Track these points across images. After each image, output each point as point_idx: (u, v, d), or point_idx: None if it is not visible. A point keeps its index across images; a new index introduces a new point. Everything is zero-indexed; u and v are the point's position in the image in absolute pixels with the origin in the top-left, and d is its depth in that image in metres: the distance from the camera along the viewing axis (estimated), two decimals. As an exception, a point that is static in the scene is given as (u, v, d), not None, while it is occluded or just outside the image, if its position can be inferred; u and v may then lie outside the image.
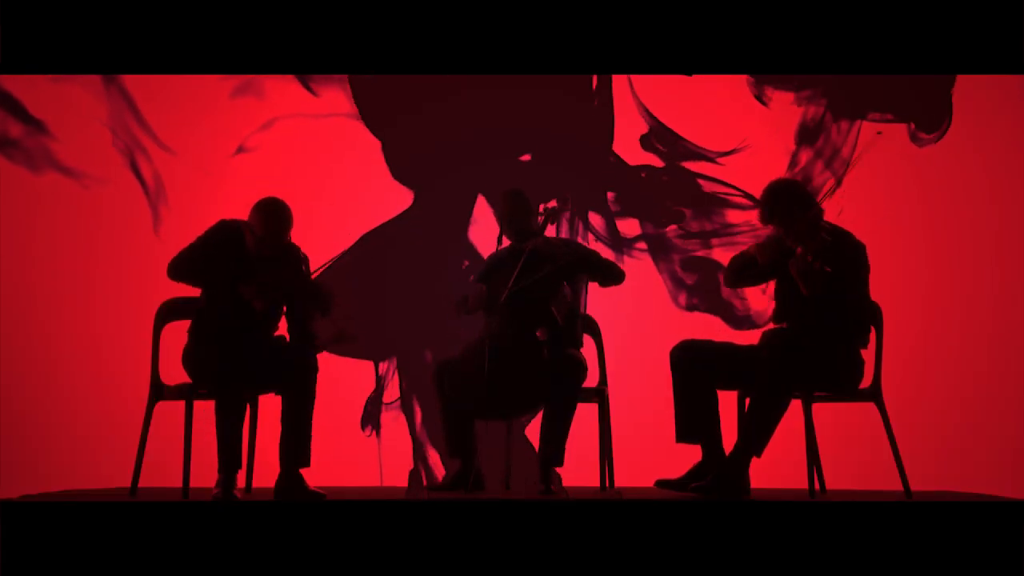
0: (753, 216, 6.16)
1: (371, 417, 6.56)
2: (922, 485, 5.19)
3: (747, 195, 6.47)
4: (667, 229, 6.55)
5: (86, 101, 6.40)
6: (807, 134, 6.50)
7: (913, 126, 6.45)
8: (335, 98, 6.59)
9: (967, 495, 5.23)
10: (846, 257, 5.04)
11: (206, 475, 5.04)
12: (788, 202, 5.14)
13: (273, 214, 5.17)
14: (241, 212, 5.25)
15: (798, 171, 6.46)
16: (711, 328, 5.24)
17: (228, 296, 5.14)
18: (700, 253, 6.54)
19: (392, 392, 6.58)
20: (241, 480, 5.20)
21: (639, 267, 6.50)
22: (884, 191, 6.43)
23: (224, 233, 5.20)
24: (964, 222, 6.44)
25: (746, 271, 5.30)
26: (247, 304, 5.13)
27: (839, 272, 4.96)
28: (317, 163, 6.53)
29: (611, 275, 5.54)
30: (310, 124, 6.54)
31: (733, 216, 6.53)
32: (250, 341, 5.13)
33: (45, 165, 6.38)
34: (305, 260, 5.31)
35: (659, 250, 6.56)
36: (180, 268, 5.14)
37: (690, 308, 6.52)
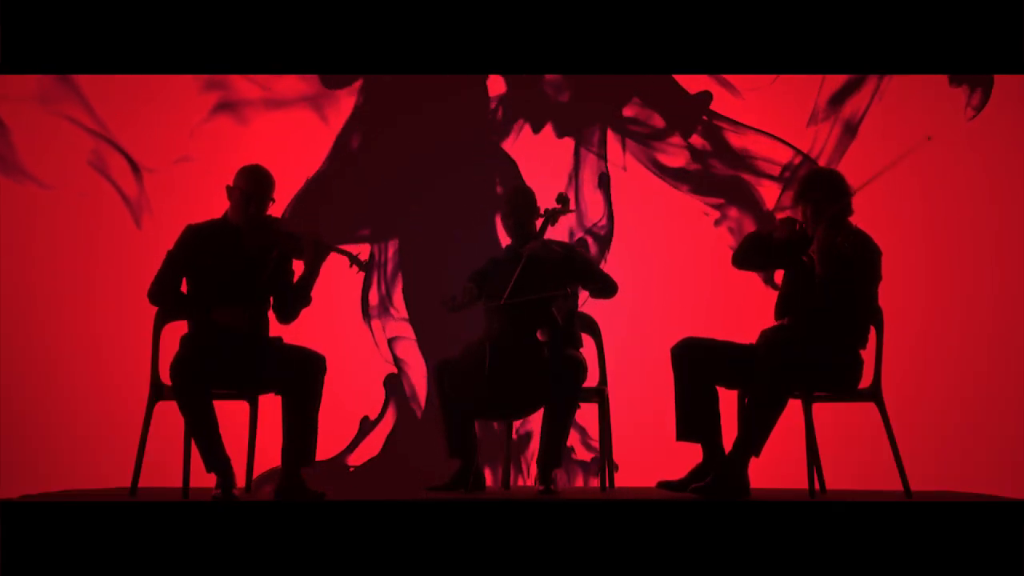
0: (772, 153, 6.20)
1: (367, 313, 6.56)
2: (922, 485, 5.19)
3: (768, 134, 6.47)
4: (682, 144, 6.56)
5: (55, 102, 6.39)
6: (842, 94, 6.49)
7: (967, 89, 6.42)
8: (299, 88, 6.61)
9: (967, 495, 5.23)
10: (866, 257, 5.04)
11: (206, 475, 5.03)
12: (826, 191, 5.12)
13: (258, 177, 5.18)
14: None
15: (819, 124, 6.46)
16: (712, 328, 5.22)
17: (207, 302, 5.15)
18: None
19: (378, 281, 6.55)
20: (241, 480, 5.20)
21: (639, 267, 6.49)
22: (884, 190, 6.41)
23: (193, 238, 5.19)
24: (964, 222, 6.44)
25: (759, 248, 5.26)
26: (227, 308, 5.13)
27: (855, 266, 4.95)
28: (299, 155, 6.54)
29: (604, 287, 5.52)
30: (291, 118, 6.55)
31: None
32: (234, 344, 5.12)
33: (17, 173, 6.37)
34: (283, 227, 5.28)
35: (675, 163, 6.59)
36: (158, 298, 5.16)
37: (719, 222, 6.49)
